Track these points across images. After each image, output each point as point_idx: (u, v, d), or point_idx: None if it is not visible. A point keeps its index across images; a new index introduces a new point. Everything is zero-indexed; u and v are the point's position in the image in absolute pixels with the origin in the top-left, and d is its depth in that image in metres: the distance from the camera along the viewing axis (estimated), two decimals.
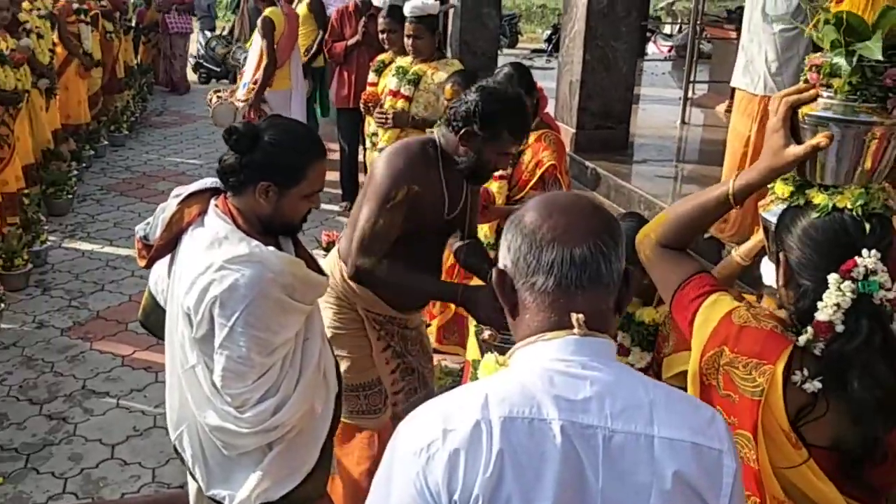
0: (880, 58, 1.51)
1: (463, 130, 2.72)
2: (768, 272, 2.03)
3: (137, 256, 2.46)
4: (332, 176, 7.83)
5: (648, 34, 14.16)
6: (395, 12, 5.54)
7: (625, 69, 6.94)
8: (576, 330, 1.28)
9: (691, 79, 8.56)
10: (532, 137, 3.86)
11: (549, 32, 16.50)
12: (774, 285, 2.02)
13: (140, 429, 4.03)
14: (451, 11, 9.31)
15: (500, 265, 1.37)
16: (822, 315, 1.55)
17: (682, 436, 1.25)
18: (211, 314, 2.17)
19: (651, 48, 14.49)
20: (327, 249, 5.46)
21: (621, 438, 1.22)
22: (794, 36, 4.87)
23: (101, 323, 5.12)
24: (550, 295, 1.30)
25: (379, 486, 1.28)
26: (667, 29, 15.79)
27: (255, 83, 6.96)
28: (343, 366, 2.92)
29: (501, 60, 7.72)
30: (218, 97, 7.31)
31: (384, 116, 5.00)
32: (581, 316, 1.28)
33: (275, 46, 6.84)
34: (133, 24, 11.48)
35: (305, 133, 2.37)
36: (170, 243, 2.34)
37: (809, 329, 1.57)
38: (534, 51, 16.47)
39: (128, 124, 9.58)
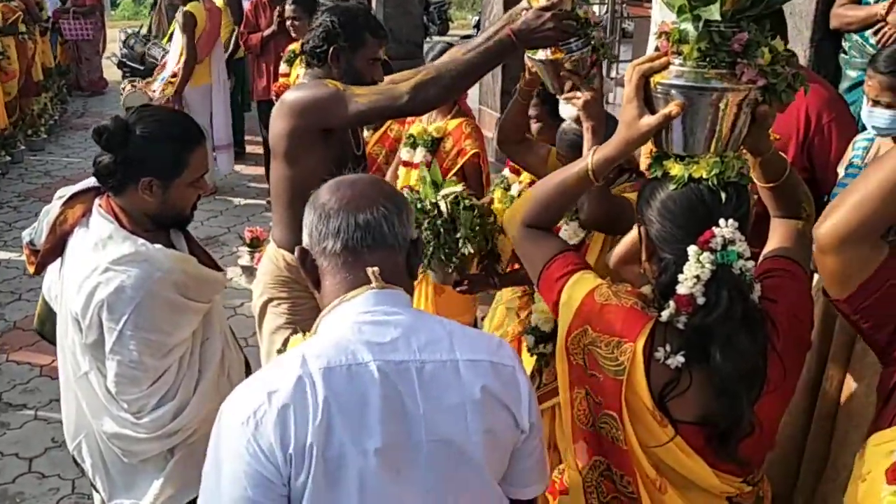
0: (718, 18, 1.49)
1: (331, 51, 2.75)
2: None
3: (27, 263, 2.37)
4: (258, 170, 7.74)
5: None
6: (302, 0, 5.46)
7: None
8: (373, 283, 1.41)
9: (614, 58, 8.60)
10: (452, 125, 3.85)
11: (477, 18, 16.47)
12: None
13: (59, 440, 3.89)
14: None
15: (303, 244, 1.49)
16: (682, 288, 1.53)
17: (481, 357, 1.43)
18: (99, 318, 2.10)
19: None
20: (252, 246, 5.39)
21: (431, 367, 1.37)
22: None
23: (17, 334, 4.95)
24: (341, 256, 1.43)
25: (209, 472, 1.34)
26: (595, 10, 15.89)
27: (174, 76, 6.83)
28: None
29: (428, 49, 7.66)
30: (133, 86, 7.15)
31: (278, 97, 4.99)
32: (376, 269, 1.41)
33: (195, 42, 6.73)
34: (50, 24, 11.13)
35: (178, 120, 2.28)
36: (56, 247, 2.25)
37: (671, 303, 1.55)
38: (463, 37, 16.43)
39: (46, 128, 9.30)
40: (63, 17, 11.50)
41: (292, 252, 2.81)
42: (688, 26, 1.54)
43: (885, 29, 3.25)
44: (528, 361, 3.10)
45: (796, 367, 1.67)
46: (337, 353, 1.34)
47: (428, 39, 11.30)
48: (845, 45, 3.55)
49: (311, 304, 2.88)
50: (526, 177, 3.17)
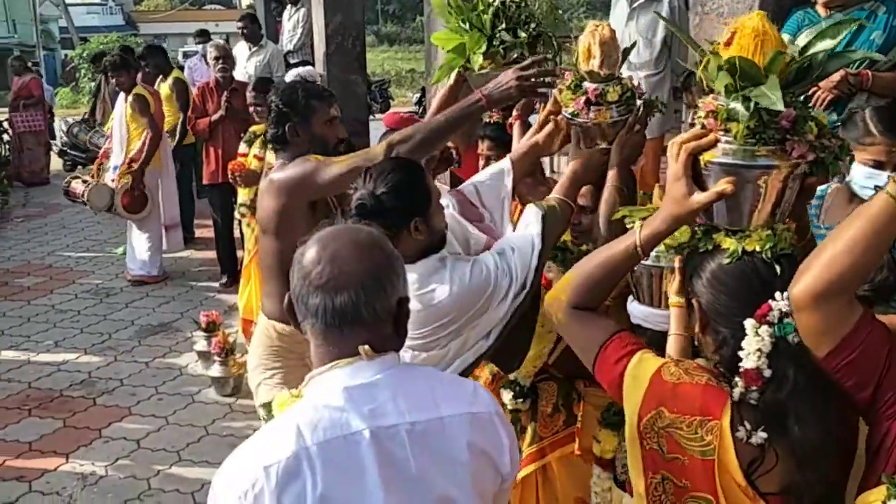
0: (782, 108, 1.53)
1: (288, 129, 2.89)
2: (636, 312, 2.05)
3: None
4: (209, 254, 7.68)
5: None
6: (263, 85, 5.53)
7: None
8: (364, 357, 1.45)
9: None
10: None
11: (418, 95, 16.77)
12: (643, 324, 2.03)
13: None
14: (318, 81, 9.35)
15: (291, 292, 1.52)
16: (748, 363, 1.53)
17: (461, 409, 1.50)
18: None
19: None
20: (208, 330, 5.30)
21: (421, 427, 1.44)
22: (658, 80, 5.11)
23: None
24: (322, 333, 1.48)
25: None
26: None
27: (130, 163, 6.83)
28: None
29: (373, 126, 7.76)
30: (84, 183, 7.10)
31: (233, 175, 5.29)
32: (367, 347, 1.45)
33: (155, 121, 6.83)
34: None
35: (403, 161, 2.43)
36: None
37: (739, 381, 1.55)
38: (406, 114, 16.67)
39: None
40: (14, 112, 11.49)
41: (284, 322, 2.92)
42: (738, 106, 1.57)
43: (819, 93, 3.41)
44: None
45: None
46: (332, 423, 1.40)
47: (372, 117, 11.44)
48: None
49: (304, 373, 2.87)
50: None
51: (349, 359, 1.46)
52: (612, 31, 2.51)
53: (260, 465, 1.35)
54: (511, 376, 2.91)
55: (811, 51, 1.62)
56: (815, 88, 3.42)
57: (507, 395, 2.88)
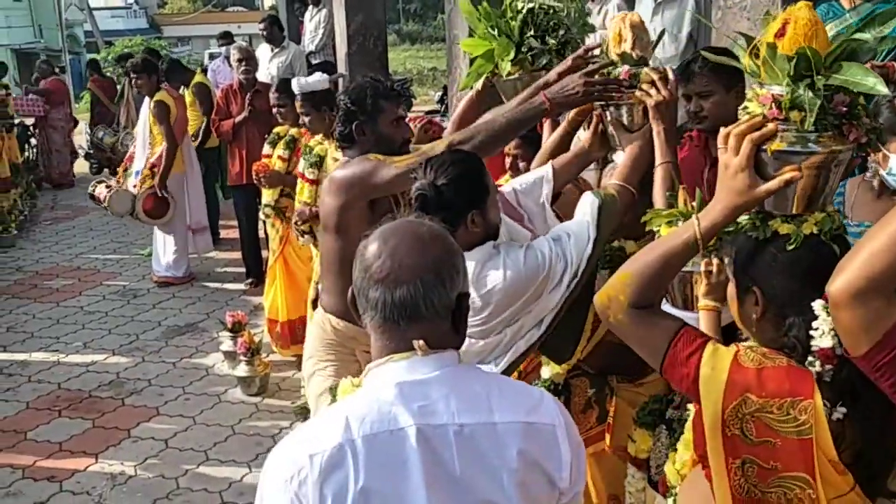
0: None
1: (355, 127, 2.93)
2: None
3: None
4: (234, 255, 7.73)
5: None
6: (286, 86, 5.55)
7: None
8: (419, 353, 1.44)
9: None
10: None
11: (440, 94, 16.76)
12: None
13: None
14: (340, 81, 9.38)
15: (352, 287, 1.51)
16: (823, 342, 1.57)
17: (518, 418, 1.45)
18: None
19: None
20: (233, 331, 5.33)
21: (469, 430, 1.42)
22: None
23: None
24: (381, 327, 1.47)
25: None
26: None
27: (152, 168, 6.90)
28: None
29: None
30: (108, 188, 7.17)
31: (257, 176, 5.31)
32: (422, 342, 1.44)
33: (172, 130, 6.86)
34: (15, 120, 11.16)
35: (460, 156, 2.42)
36: None
37: (816, 361, 1.58)
38: (427, 112, 16.69)
39: (17, 224, 9.23)
40: (16, 98, 11.59)
41: (339, 317, 3.04)
42: (808, 94, 1.59)
43: None
44: None
45: None
46: (380, 417, 1.40)
47: None
48: None
49: (356, 368, 3.02)
50: None
51: (404, 353, 1.45)
52: (641, 18, 2.52)
53: (306, 453, 1.37)
54: (544, 374, 2.91)
55: (861, 36, 1.65)
56: None
57: None
